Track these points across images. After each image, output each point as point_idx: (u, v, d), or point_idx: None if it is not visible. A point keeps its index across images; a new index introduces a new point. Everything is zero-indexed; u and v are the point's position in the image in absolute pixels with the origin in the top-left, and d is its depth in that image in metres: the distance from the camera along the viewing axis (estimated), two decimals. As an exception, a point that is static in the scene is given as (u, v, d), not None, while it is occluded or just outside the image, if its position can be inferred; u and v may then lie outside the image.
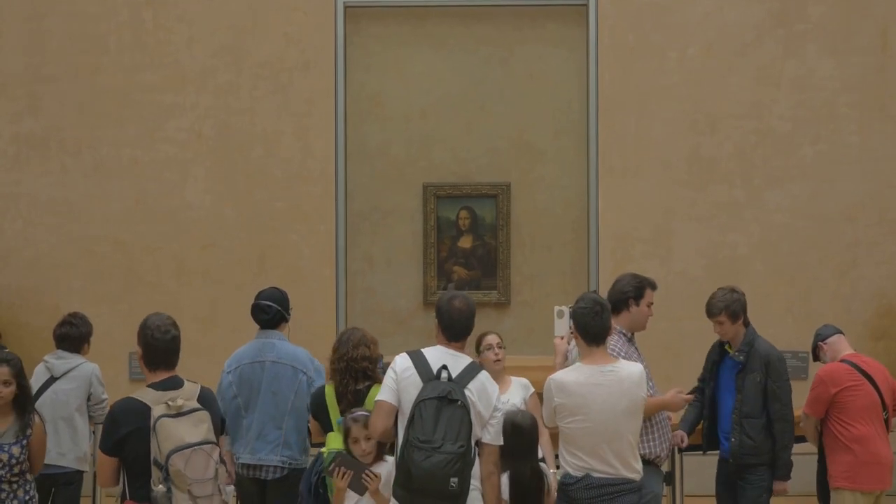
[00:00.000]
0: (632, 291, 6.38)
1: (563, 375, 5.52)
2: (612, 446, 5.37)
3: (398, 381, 5.42)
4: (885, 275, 9.67)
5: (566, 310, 5.90)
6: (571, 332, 5.77)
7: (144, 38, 9.82)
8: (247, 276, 9.59)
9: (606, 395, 5.38)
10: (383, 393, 5.48)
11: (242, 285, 9.40)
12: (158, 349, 5.26)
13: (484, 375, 5.46)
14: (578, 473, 5.39)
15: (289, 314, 6.54)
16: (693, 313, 6.91)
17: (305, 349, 6.51)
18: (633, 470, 5.44)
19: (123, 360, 9.46)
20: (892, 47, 9.69)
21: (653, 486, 6.25)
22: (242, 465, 6.37)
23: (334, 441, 5.75)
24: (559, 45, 9.91)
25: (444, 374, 5.34)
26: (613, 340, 6.15)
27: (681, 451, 6.92)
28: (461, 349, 5.53)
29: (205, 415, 5.14)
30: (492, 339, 6.74)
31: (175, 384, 5.21)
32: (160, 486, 4.98)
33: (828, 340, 6.90)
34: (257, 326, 6.56)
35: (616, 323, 6.27)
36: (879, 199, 9.69)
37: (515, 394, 6.42)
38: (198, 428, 5.08)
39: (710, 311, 6.69)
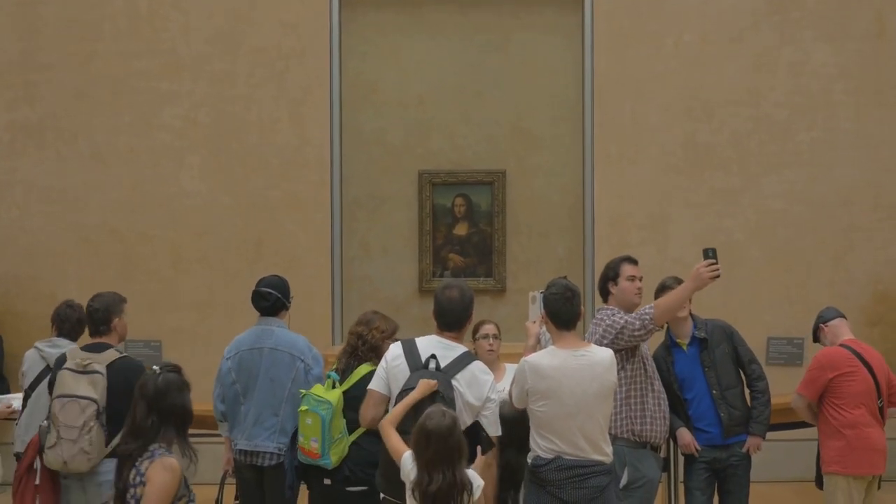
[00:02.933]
0: (609, 273, 6.46)
1: (538, 358, 5.54)
2: (582, 430, 5.40)
3: (388, 370, 5.47)
4: (880, 260, 9.69)
5: (539, 295, 5.93)
6: (542, 317, 5.81)
7: (140, 25, 9.81)
8: (243, 263, 9.61)
9: (578, 379, 5.41)
10: (374, 382, 5.55)
11: (239, 273, 9.43)
12: (84, 322, 6.53)
13: (476, 366, 5.46)
14: (549, 455, 5.42)
15: (289, 302, 6.54)
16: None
17: (304, 337, 6.51)
18: (603, 453, 5.46)
19: (120, 347, 9.44)
20: (888, 33, 9.70)
21: (649, 472, 6.26)
22: (240, 452, 6.37)
23: (318, 389, 5.98)
24: (555, 33, 9.91)
25: (431, 364, 5.35)
26: (616, 316, 6.19)
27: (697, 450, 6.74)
28: (456, 339, 5.53)
29: (100, 378, 6.00)
30: (489, 328, 6.75)
31: (98, 349, 6.16)
32: (45, 421, 6.13)
33: (829, 323, 6.90)
34: (256, 313, 6.55)
35: (610, 305, 6.37)
36: (875, 184, 9.70)
37: (510, 381, 6.42)
38: (89, 386, 5.98)
39: (670, 286, 6.69)
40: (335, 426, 5.86)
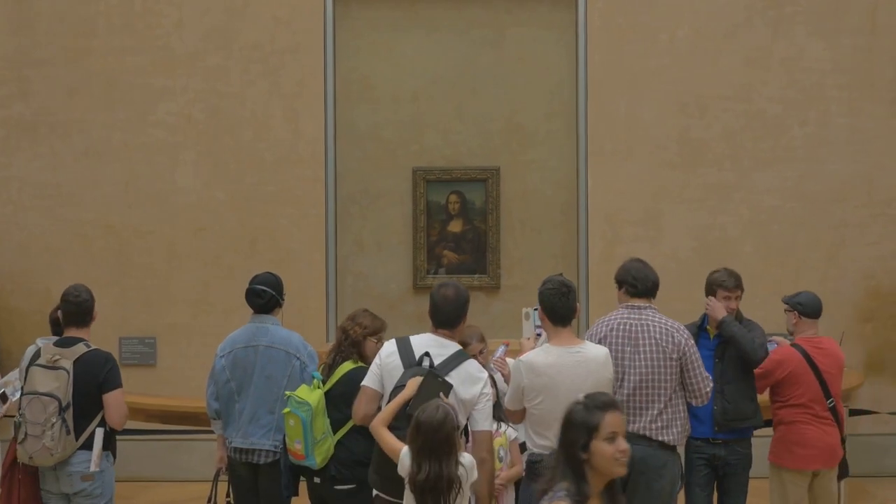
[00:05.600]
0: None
1: (532, 357, 5.58)
2: None
3: (381, 367, 5.49)
4: (873, 256, 9.72)
5: (532, 311, 5.98)
6: (537, 334, 5.91)
7: (133, 21, 9.80)
8: (238, 259, 9.61)
9: (573, 376, 5.44)
10: (367, 378, 5.56)
11: (233, 269, 9.44)
12: (65, 311, 6.36)
13: (470, 364, 5.47)
14: (545, 452, 5.45)
15: (283, 299, 6.55)
16: (682, 295, 6.95)
17: (299, 334, 6.52)
18: None
19: (114, 344, 9.45)
20: (881, 28, 9.71)
21: (673, 469, 6.23)
22: (235, 450, 6.38)
23: (302, 391, 5.99)
24: (549, 28, 9.92)
25: (426, 361, 5.36)
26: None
27: None
28: (451, 337, 5.53)
29: (64, 374, 6.08)
30: (473, 349, 6.51)
31: (70, 343, 6.23)
32: (17, 416, 6.26)
33: (806, 321, 6.87)
34: (250, 310, 6.56)
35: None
36: (868, 180, 9.73)
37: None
38: (54, 382, 6.07)
39: (729, 285, 6.73)
40: (317, 427, 5.89)
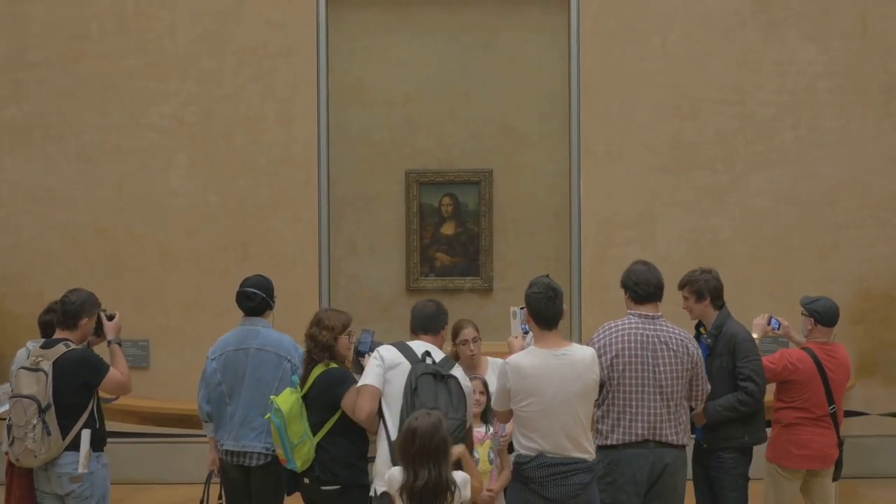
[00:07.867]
0: None
1: (519, 359, 5.59)
2: (565, 428, 5.44)
3: (386, 367, 5.60)
4: (865, 258, 9.74)
5: (519, 311, 6.02)
6: (524, 332, 5.99)
7: (127, 24, 9.80)
8: (231, 262, 9.61)
9: (560, 379, 5.45)
10: (369, 377, 5.63)
11: (226, 271, 9.43)
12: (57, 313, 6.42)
13: (458, 371, 5.67)
14: (532, 454, 5.47)
15: (273, 301, 6.56)
16: (676, 297, 6.92)
17: (290, 336, 6.52)
18: (585, 451, 5.50)
19: (105, 346, 9.43)
20: (872, 32, 9.74)
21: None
22: (226, 452, 6.38)
23: (284, 394, 5.99)
24: (542, 31, 9.94)
25: (428, 359, 5.55)
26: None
27: None
28: (435, 343, 5.76)
29: (43, 376, 6.10)
30: (468, 333, 6.61)
31: (52, 344, 6.25)
32: (7, 419, 6.29)
33: (822, 328, 6.85)
34: (242, 313, 6.57)
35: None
36: (860, 183, 9.76)
37: (493, 374, 6.44)
38: (34, 385, 6.10)
39: (678, 286, 6.76)
40: (293, 431, 5.89)
